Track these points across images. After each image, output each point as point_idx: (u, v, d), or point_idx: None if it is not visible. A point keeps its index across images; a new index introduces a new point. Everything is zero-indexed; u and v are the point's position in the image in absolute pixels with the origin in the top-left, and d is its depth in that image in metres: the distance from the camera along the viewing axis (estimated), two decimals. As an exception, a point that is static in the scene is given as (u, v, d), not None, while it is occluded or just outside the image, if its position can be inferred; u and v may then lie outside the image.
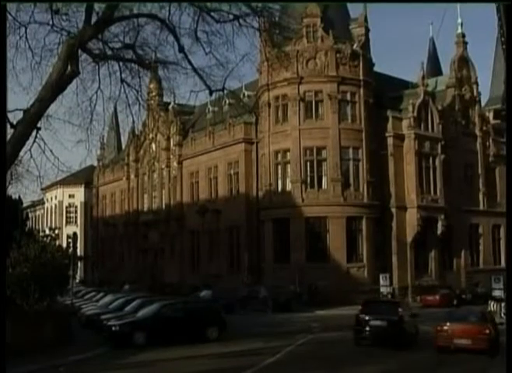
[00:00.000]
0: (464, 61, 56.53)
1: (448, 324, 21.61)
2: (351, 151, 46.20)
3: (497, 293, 34.45)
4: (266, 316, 36.28)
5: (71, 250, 31.18)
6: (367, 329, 22.78)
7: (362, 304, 24.83)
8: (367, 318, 22.92)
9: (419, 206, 48.04)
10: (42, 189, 72.12)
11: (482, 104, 61.98)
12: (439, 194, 49.75)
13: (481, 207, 55.12)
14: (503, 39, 14.66)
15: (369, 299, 27.98)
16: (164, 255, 61.10)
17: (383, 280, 43.18)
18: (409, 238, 48.24)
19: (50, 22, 18.11)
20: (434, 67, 72.16)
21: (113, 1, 17.48)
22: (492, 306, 34.79)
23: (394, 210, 48.08)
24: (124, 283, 54.87)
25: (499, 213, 49.50)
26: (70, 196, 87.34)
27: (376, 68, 49.55)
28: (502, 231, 54.60)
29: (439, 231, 49.52)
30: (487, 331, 21.09)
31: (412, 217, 48.19)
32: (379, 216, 46.98)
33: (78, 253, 73.15)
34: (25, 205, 65.52)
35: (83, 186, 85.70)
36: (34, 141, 17.53)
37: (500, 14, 13.11)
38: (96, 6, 17.82)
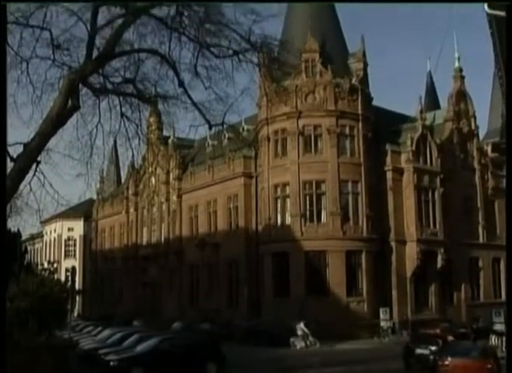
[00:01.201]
0: (461, 95, 56.90)
1: (449, 359, 21.38)
2: (350, 184, 46.27)
3: (498, 327, 34.22)
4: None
5: (69, 284, 31.07)
6: (414, 356, 26.99)
7: (411, 336, 33.74)
8: (414, 347, 27.55)
9: (419, 239, 47.92)
10: (41, 222, 72.08)
11: (480, 137, 62.25)
12: (438, 228, 49.67)
13: (480, 241, 55.01)
14: (499, 73, 14.80)
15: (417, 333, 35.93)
16: (163, 289, 60.78)
17: (383, 314, 42.98)
18: (409, 272, 48.05)
19: (52, 57, 18.30)
20: (432, 100, 72.81)
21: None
22: (493, 340, 34.53)
23: (393, 243, 47.97)
24: (131, 318, 54.30)
25: (498, 246, 49.36)
26: (69, 229, 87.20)
27: (374, 102, 49.85)
28: (502, 264, 54.41)
29: (439, 265, 49.32)
30: (489, 366, 20.88)
31: (411, 250, 48.04)
32: (378, 250, 46.87)
33: (77, 287, 72.85)
34: (24, 238, 65.47)
35: (82, 219, 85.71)
36: (34, 175, 17.58)
37: (497, 50, 13.26)
38: (97, 41, 18.02)
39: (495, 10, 11.43)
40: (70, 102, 17.40)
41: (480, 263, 55.27)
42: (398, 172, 49.06)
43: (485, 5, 11.34)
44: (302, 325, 38.91)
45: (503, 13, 11.30)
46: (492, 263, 55.61)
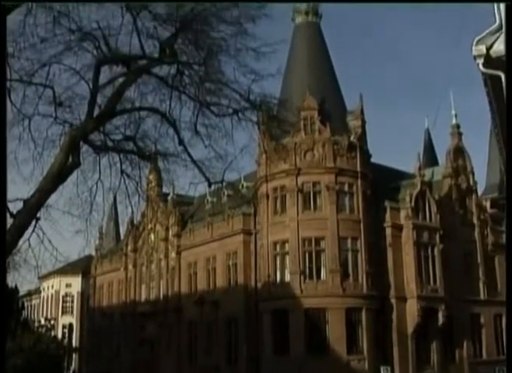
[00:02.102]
0: (459, 151, 57.38)
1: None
2: (349, 241, 46.24)
3: (502, 386, 33.82)
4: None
5: (66, 341, 30.78)
6: None
7: None
8: None
9: (419, 296, 47.61)
10: (39, 278, 71.64)
11: (479, 193, 62.52)
12: (439, 284, 49.40)
13: (481, 297, 54.59)
14: (496, 130, 15.01)
15: None
16: (161, 346, 60.05)
17: (384, 372, 42.41)
18: (410, 329, 47.58)
19: (54, 115, 18.48)
20: (430, 157, 73.33)
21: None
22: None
23: (393, 300, 47.64)
24: None
25: (500, 302, 48.97)
26: (67, 285, 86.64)
27: (373, 159, 50.27)
28: (504, 320, 53.89)
29: (440, 322, 48.88)
30: None
31: (412, 307, 47.68)
32: (379, 307, 46.52)
33: (74, 344, 72.07)
34: (21, 294, 64.96)
35: (80, 275, 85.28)
36: (33, 231, 17.54)
37: (493, 108, 13.46)
38: (99, 99, 18.26)
39: (490, 69, 11.65)
40: (71, 159, 17.50)
41: (482, 320, 54.75)
42: (398, 228, 49.11)
43: (480, 65, 11.55)
44: None
45: (498, 72, 11.51)
46: (494, 319, 55.10)
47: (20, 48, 17.28)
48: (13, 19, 16.76)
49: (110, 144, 19.59)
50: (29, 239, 17.73)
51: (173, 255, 60.27)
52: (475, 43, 11.45)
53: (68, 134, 17.83)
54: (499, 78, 11.47)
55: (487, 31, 11.68)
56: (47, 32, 17.34)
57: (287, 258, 46.33)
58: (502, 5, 11.60)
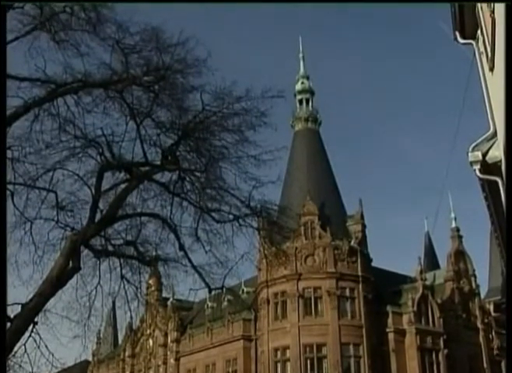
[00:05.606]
0: (460, 254, 57.24)
1: None
2: (352, 347, 45.51)
3: None
4: None
5: None
6: None
7: None
8: None
9: (425, 405, 46.41)
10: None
11: (482, 295, 61.88)
12: (445, 391, 48.26)
13: (490, 404, 53.11)
14: (496, 234, 15.07)
15: None
16: None
17: None
18: None
19: (56, 219, 18.61)
20: (431, 260, 72.83)
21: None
22: None
23: (398, 410, 46.40)
24: None
25: (508, 411, 47.52)
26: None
27: (374, 263, 50.20)
28: None
29: None
30: None
31: (417, 417, 46.39)
32: (383, 417, 45.27)
33: None
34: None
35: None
36: (30, 336, 17.28)
37: (491, 211, 13.58)
38: (101, 204, 18.43)
39: (486, 175, 11.83)
40: (71, 263, 17.48)
41: None
42: (400, 333, 48.44)
43: (477, 170, 11.76)
44: None
45: (495, 178, 11.69)
46: None
47: (25, 153, 17.65)
48: (20, 125, 17.25)
49: (110, 248, 19.59)
50: (25, 344, 17.43)
51: (171, 361, 59.03)
52: (470, 149, 11.69)
53: (69, 238, 17.88)
54: (497, 183, 11.63)
55: (482, 138, 11.97)
56: (52, 138, 17.78)
57: (288, 365, 45.51)
58: (495, 112, 11.95)
